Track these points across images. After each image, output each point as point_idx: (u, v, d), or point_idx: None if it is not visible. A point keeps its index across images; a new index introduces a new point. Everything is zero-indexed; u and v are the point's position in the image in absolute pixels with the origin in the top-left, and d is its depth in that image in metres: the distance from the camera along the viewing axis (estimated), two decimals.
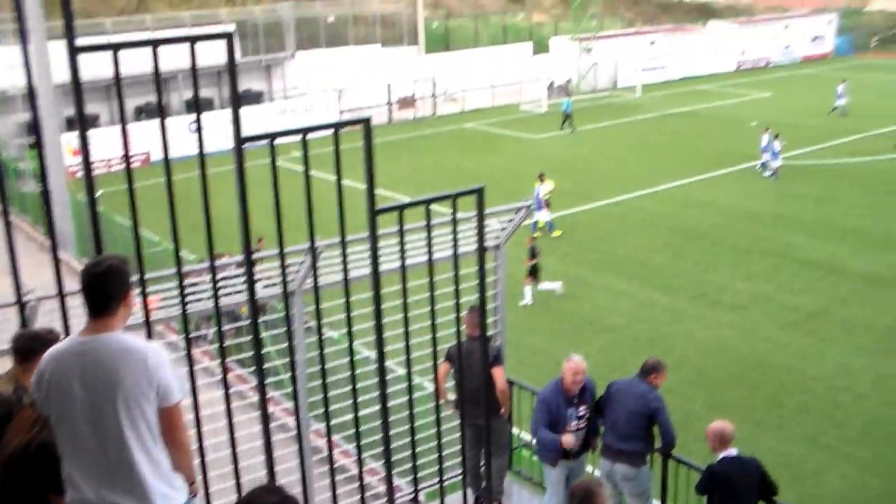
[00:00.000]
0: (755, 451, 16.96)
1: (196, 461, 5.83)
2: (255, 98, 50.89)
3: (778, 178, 36.92)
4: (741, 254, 28.42)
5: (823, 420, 18.54)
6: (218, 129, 7.36)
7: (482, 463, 10.40)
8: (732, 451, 9.12)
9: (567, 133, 49.02)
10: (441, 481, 7.65)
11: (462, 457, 9.07)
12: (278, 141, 6.08)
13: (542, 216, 30.29)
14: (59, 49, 5.53)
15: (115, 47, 5.64)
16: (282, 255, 6.64)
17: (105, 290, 4.84)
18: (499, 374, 10.21)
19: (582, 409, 10.10)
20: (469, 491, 9.84)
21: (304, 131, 6.31)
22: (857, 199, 34.32)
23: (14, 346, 6.17)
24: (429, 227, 6.92)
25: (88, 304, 4.87)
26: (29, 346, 6.06)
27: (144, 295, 6.20)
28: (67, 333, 6.06)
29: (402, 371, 7.06)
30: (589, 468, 10.84)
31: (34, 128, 6.60)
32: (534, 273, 24.31)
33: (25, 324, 6.79)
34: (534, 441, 10.44)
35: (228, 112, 5.95)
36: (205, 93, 45.39)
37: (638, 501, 10.14)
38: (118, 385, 4.68)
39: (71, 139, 34.30)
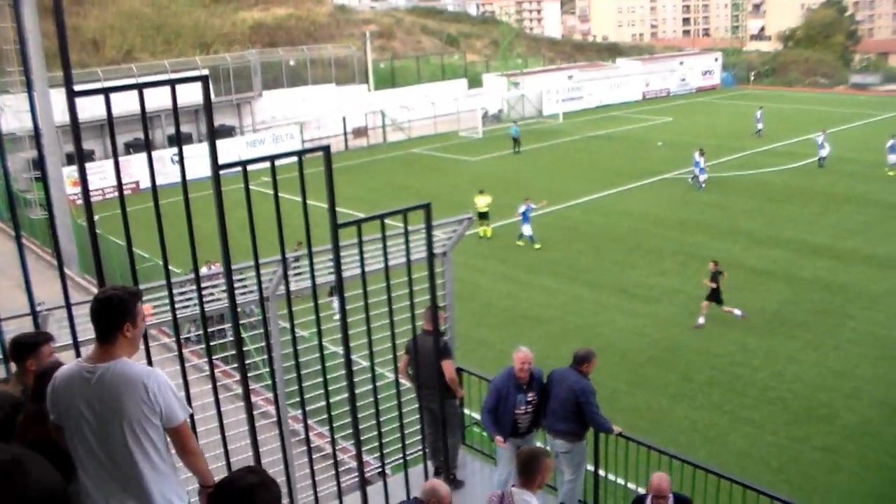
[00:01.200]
0: (672, 420, 17.43)
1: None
2: (228, 132, 50.49)
3: (703, 189, 37.68)
4: (654, 253, 28.75)
5: (727, 391, 18.85)
6: (197, 160, 7.32)
7: (439, 441, 10.41)
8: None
9: (516, 154, 49.41)
10: (404, 456, 7.66)
11: (422, 435, 9.09)
12: (250, 168, 6.08)
13: (526, 230, 30.29)
14: (58, 94, 5.52)
15: (107, 91, 5.62)
16: (257, 266, 6.63)
17: (105, 317, 4.62)
18: (447, 367, 10.13)
19: (531, 395, 10.13)
20: (429, 464, 9.90)
21: (272, 158, 6.31)
22: (746, 205, 34.94)
23: (10, 350, 6.06)
24: (384, 238, 6.95)
25: (94, 329, 4.68)
26: (17, 350, 5.96)
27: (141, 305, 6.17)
28: (75, 340, 6.01)
29: (366, 363, 7.06)
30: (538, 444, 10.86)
31: (39, 163, 6.56)
32: (714, 297, 22.48)
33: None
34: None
35: (205, 145, 5.95)
36: (185, 128, 45.14)
37: (575, 471, 10.21)
38: (122, 412, 4.50)
39: (71, 172, 34.64)
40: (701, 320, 22.46)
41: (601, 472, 10.53)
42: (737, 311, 22.60)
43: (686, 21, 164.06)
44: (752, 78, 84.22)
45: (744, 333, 21.83)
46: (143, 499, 4.67)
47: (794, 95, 74.35)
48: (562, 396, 9.96)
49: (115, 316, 4.62)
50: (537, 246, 30.01)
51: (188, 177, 6.11)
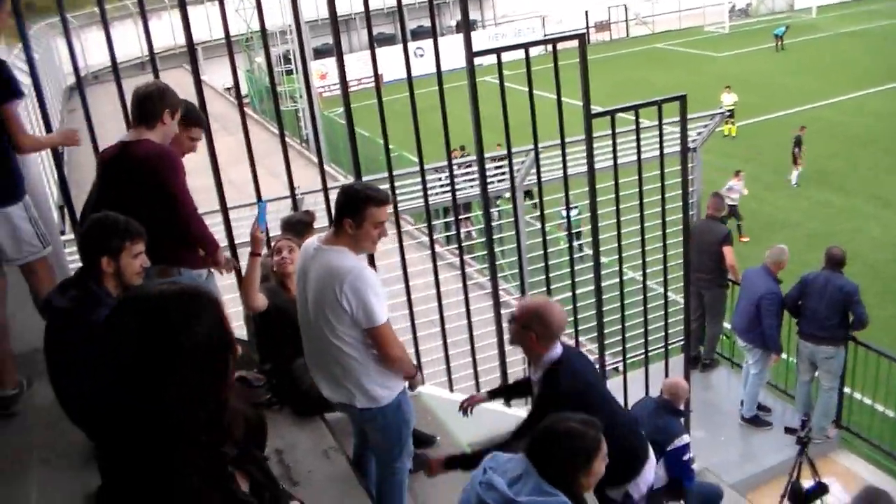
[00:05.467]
0: None
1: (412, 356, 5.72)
2: (469, 25, 50.53)
3: None
4: None
5: None
6: (443, 54, 7.27)
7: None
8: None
9: (780, 52, 46.81)
10: (646, 351, 7.54)
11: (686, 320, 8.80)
12: (486, 62, 6.01)
13: None
14: None
15: None
16: (509, 155, 6.58)
17: (337, 208, 4.67)
18: (728, 252, 10.57)
19: None
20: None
21: (527, 46, 6.24)
22: None
23: (288, 224, 6.29)
24: (637, 129, 6.76)
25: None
26: (298, 223, 6.20)
27: (394, 192, 6.28)
28: (330, 221, 6.20)
29: (612, 259, 6.96)
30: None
31: (295, 57, 6.70)
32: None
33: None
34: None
35: (451, 38, 5.90)
36: (427, 23, 45.50)
37: (834, 378, 9.73)
38: (324, 300, 4.52)
39: (319, 66, 35.59)
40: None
41: (846, 389, 10.02)
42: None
43: None
44: None
45: None
46: (335, 381, 4.76)
47: None
48: (829, 298, 9.42)
49: (338, 210, 4.62)
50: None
51: (430, 70, 6.10)
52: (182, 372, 1.99)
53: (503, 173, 8.86)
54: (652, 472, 5.52)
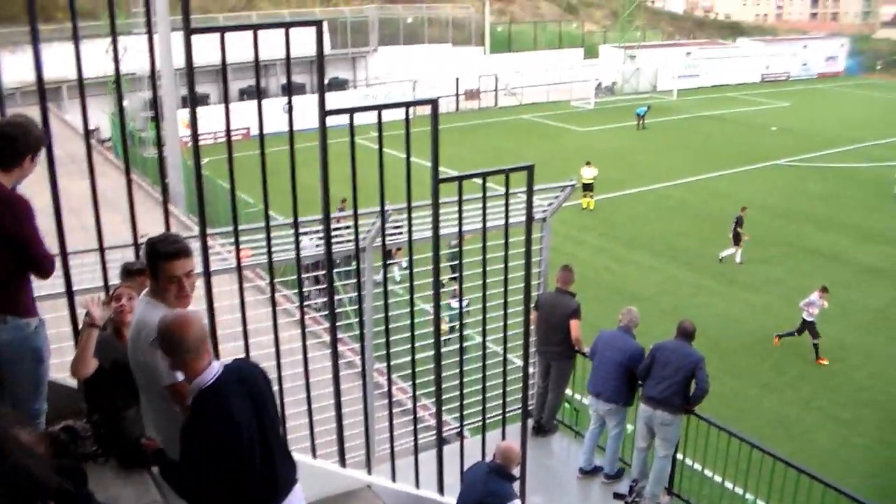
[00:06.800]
0: (759, 410, 17.04)
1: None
2: (341, 85, 51.09)
3: None
4: (757, 241, 27.81)
5: (818, 387, 18.40)
6: (309, 111, 7.28)
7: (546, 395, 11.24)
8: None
9: (641, 131, 48.63)
10: (483, 419, 7.61)
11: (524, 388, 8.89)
12: (361, 122, 6.04)
13: None
14: (179, 38, 5.55)
15: (222, 30, 5.63)
16: (356, 216, 6.61)
17: None
18: (574, 326, 10.73)
19: None
20: (520, 424, 9.78)
21: (380, 108, 6.29)
22: (860, 198, 33.74)
23: (127, 271, 6.14)
24: (484, 197, 6.86)
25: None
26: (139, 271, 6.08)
27: (238, 246, 6.23)
28: None
29: (455, 323, 7.02)
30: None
31: (155, 104, 6.62)
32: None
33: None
34: None
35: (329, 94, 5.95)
36: (299, 79, 45.56)
37: (670, 447, 9.97)
38: (136, 352, 4.54)
39: (185, 114, 34.99)
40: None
41: (679, 455, 10.31)
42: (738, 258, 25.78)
43: (814, 3, 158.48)
44: (880, 67, 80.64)
45: (844, 330, 21.16)
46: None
47: None
48: (676, 365, 9.73)
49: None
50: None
51: (299, 127, 6.10)
52: None
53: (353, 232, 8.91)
54: None
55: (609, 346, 10.32)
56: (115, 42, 5.95)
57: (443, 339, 8.73)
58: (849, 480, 13.55)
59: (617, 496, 8.47)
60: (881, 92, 65.96)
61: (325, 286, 7.17)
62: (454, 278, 6.67)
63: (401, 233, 8.76)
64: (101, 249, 6.09)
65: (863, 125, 49.88)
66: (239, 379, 4.26)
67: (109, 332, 5.73)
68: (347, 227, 9.23)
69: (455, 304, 6.94)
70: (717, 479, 11.17)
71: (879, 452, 15.90)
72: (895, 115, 52.48)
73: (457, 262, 7.64)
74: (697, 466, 11.00)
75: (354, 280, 6.95)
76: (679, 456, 10.26)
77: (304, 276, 6.90)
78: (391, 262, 19.82)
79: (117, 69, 6.14)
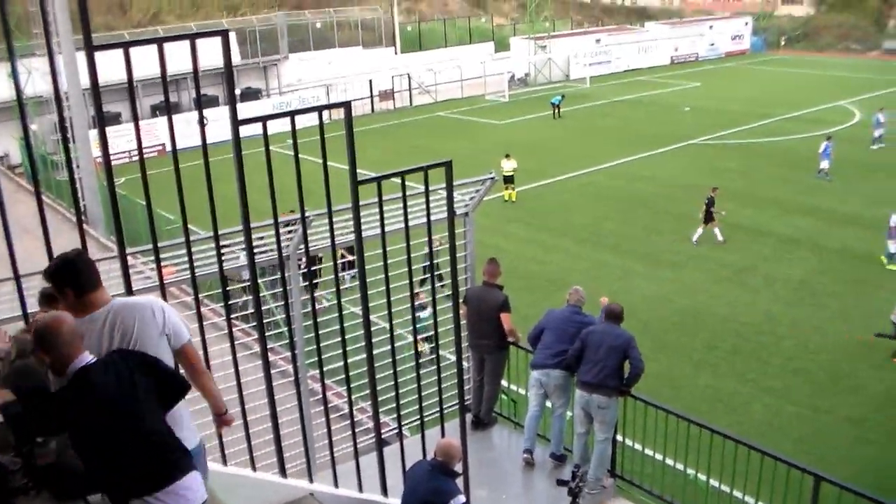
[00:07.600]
0: (694, 387, 17.35)
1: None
2: (254, 95, 50.66)
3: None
4: (680, 219, 28.40)
5: (750, 360, 18.78)
6: (223, 122, 7.21)
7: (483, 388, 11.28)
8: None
9: (557, 119, 48.86)
10: (422, 417, 7.62)
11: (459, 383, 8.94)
12: (275, 130, 6.03)
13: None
14: (85, 57, 5.45)
15: (126, 45, 5.56)
16: (276, 224, 6.58)
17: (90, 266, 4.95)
18: (506, 319, 10.79)
19: None
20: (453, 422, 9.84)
21: (293, 114, 6.27)
22: (775, 172, 34.54)
23: (45, 297, 6.04)
24: (404, 196, 6.86)
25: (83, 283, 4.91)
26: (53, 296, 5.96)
27: (159, 263, 6.16)
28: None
29: (385, 324, 7.01)
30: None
31: (60, 125, 6.53)
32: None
33: None
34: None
35: (241, 105, 5.90)
36: (210, 91, 45.09)
37: (609, 429, 10.03)
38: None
39: (96, 135, 34.27)
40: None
41: (619, 437, 10.44)
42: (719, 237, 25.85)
43: None
44: (783, 43, 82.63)
45: (770, 302, 21.67)
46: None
47: (825, 61, 72.81)
48: (607, 348, 9.80)
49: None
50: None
51: (215, 139, 6.09)
52: None
53: (285, 239, 8.84)
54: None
55: (555, 324, 10.61)
56: (14, 65, 5.85)
57: (422, 360, 8.80)
58: (783, 446, 13.99)
59: (560, 482, 8.50)
60: (786, 67, 67.59)
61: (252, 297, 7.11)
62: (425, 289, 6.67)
63: (324, 238, 8.71)
64: (17, 277, 5.97)
65: (771, 100, 51.02)
66: (106, 363, 4.62)
67: (31, 359, 5.61)
68: (271, 236, 9.18)
69: (422, 314, 6.95)
70: (658, 457, 11.34)
71: (812, 419, 16.35)
72: (801, 89, 53.86)
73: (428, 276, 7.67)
74: (638, 447, 11.17)
75: (281, 289, 6.87)
76: (619, 438, 10.38)
77: (233, 287, 6.84)
78: (343, 260, 19.75)
79: (18, 93, 6.03)
